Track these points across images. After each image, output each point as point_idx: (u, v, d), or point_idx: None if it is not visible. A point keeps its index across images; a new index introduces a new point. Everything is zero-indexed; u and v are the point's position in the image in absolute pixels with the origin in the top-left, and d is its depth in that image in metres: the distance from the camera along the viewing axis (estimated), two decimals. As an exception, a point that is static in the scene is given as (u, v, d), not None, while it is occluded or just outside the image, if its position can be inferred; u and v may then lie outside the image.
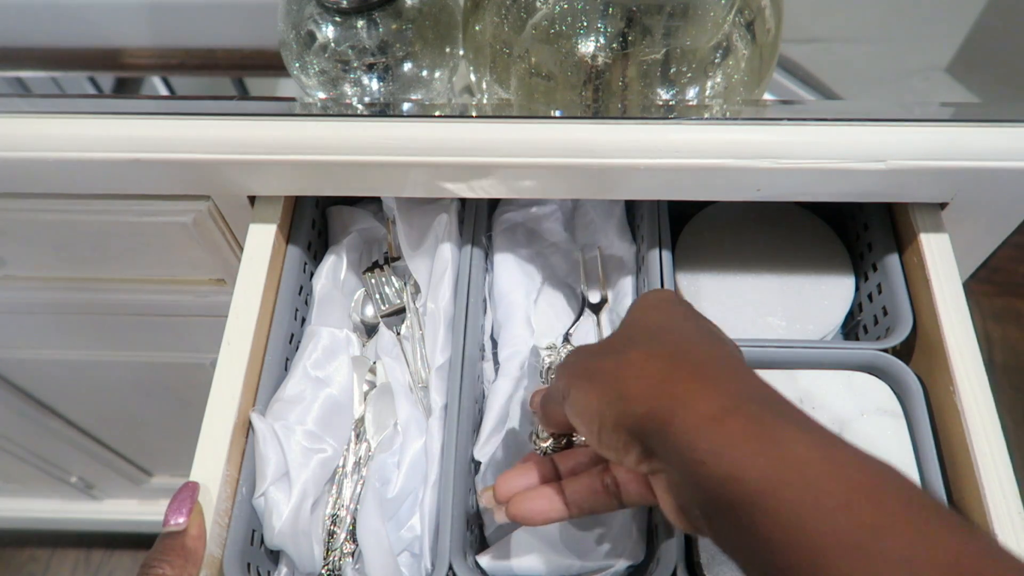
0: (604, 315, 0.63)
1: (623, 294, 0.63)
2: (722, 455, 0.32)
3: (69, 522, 1.38)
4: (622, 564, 0.50)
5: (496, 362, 0.60)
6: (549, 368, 0.56)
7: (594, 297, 0.64)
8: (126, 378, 0.94)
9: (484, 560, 0.51)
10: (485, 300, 0.62)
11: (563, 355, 0.56)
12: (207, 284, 0.70)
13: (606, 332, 0.62)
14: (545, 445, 0.47)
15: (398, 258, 0.64)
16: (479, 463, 0.55)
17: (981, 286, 1.66)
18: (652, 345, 0.38)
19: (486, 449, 0.55)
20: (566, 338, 0.61)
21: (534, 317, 0.62)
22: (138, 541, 1.46)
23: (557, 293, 0.65)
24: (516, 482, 0.45)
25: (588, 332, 0.62)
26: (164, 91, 0.70)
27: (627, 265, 0.64)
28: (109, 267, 0.69)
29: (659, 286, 0.57)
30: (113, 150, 0.51)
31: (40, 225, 0.63)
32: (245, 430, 0.51)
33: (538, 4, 0.52)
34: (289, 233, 0.59)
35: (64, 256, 0.67)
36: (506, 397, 0.56)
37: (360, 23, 0.55)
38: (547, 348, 0.57)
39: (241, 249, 0.58)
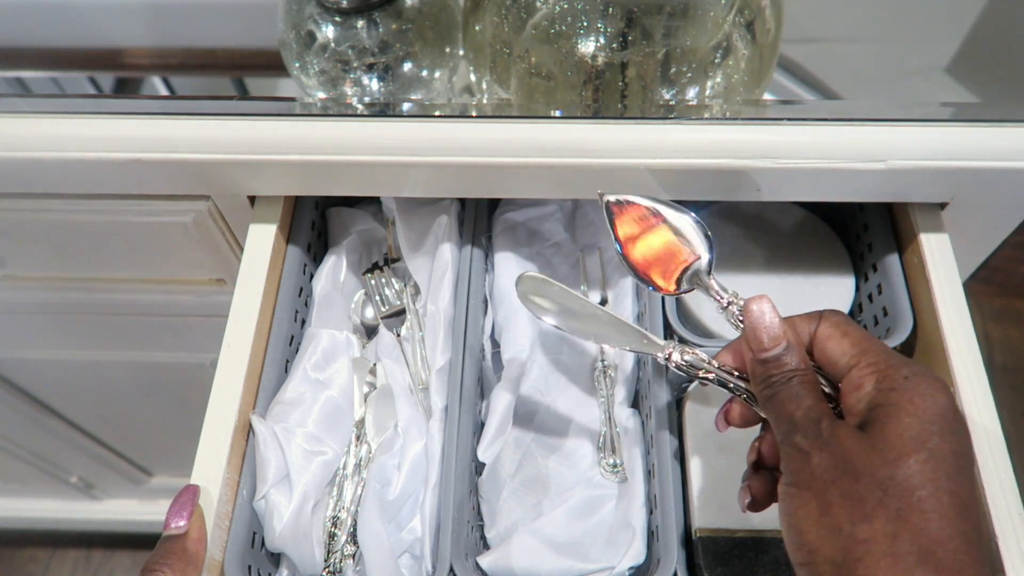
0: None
1: (623, 295, 0.63)
2: None
3: (69, 522, 1.38)
4: (623, 565, 0.50)
5: (498, 363, 0.60)
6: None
7: (594, 297, 0.64)
8: (126, 378, 0.94)
9: (485, 562, 0.51)
10: (485, 301, 0.62)
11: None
12: (207, 284, 0.70)
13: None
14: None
15: (398, 259, 0.64)
16: (483, 464, 0.55)
17: (981, 286, 1.66)
18: (902, 535, 0.33)
19: (491, 451, 0.55)
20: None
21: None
22: (138, 541, 1.46)
23: None
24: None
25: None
26: (164, 91, 0.70)
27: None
28: (109, 267, 0.68)
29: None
30: (113, 150, 0.51)
31: (40, 225, 0.63)
32: (245, 433, 0.51)
33: (538, 4, 0.52)
34: (289, 234, 0.59)
35: (64, 256, 0.67)
36: (510, 399, 0.56)
37: (360, 23, 0.55)
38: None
39: (241, 249, 0.58)
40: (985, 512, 0.45)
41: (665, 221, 0.45)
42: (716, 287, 0.44)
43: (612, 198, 0.46)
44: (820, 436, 0.36)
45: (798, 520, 0.35)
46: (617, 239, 0.45)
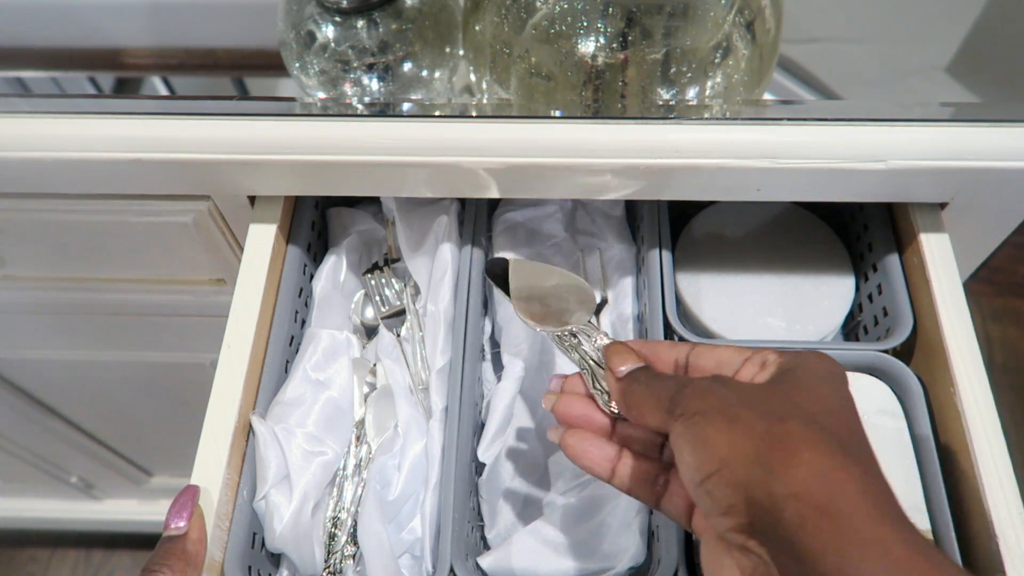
0: (605, 316, 0.63)
1: (623, 295, 0.63)
2: None
3: (69, 522, 1.38)
4: (623, 566, 0.50)
5: (498, 364, 0.60)
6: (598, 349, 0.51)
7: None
8: (126, 378, 0.94)
9: (485, 562, 0.51)
10: (485, 302, 0.62)
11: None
12: (207, 284, 0.70)
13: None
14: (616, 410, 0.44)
15: (398, 259, 0.64)
16: (483, 464, 0.55)
17: (981, 286, 1.66)
18: (816, 428, 0.34)
19: (491, 451, 0.55)
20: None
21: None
22: (138, 541, 1.46)
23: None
24: (576, 407, 0.44)
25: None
26: (164, 91, 0.70)
27: (627, 265, 0.64)
28: (109, 267, 0.68)
29: (659, 286, 0.57)
30: (113, 150, 0.51)
31: (40, 225, 0.63)
32: (245, 433, 0.51)
33: (538, 4, 0.52)
34: (289, 234, 0.59)
35: (64, 256, 0.67)
36: (510, 399, 0.56)
37: (360, 23, 0.55)
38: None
39: (241, 249, 0.58)
40: (985, 512, 0.45)
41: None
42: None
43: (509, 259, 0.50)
44: (719, 378, 0.38)
45: (703, 437, 0.35)
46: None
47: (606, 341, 0.45)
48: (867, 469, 0.33)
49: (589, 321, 0.48)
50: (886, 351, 0.53)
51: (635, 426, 0.42)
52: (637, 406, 0.40)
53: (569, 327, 0.47)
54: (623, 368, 0.42)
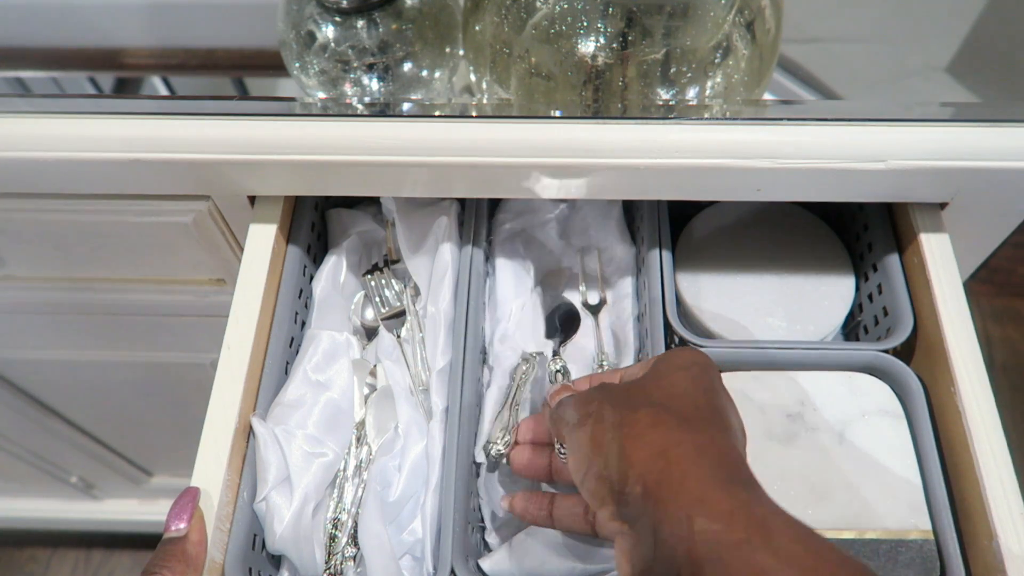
0: (604, 316, 0.63)
1: (622, 295, 0.63)
2: (715, 545, 0.32)
3: (69, 522, 1.38)
4: None
5: (499, 369, 0.60)
6: (557, 372, 0.58)
7: (593, 299, 0.64)
8: (126, 378, 0.94)
9: (486, 563, 0.51)
10: (486, 303, 0.62)
11: (555, 367, 0.59)
12: (207, 284, 0.70)
13: (605, 335, 0.62)
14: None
15: (397, 261, 0.64)
16: (480, 464, 0.55)
17: (981, 286, 1.66)
18: (662, 410, 0.38)
19: (481, 444, 0.55)
20: (556, 352, 0.61)
21: (530, 324, 0.62)
22: (138, 541, 1.46)
23: (555, 296, 0.65)
24: (522, 456, 0.51)
25: (587, 335, 0.62)
26: (164, 91, 0.70)
27: (625, 266, 0.64)
28: (109, 267, 0.68)
29: (659, 286, 0.57)
30: (113, 150, 0.51)
31: (40, 225, 0.63)
32: (246, 435, 0.50)
33: (538, 4, 0.52)
34: (289, 234, 0.59)
35: (64, 256, 0.67)
36: (496, 401, 0.57)
37: (360, 23, 0.55)
38: (552, 357, 0.59)
39: (241, 249, 0.58)
40: (986, 511, 0.45)
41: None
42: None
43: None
44: (599, 386, 0.43)
45: (578, 442, 0.39)
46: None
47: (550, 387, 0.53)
48: (706, 439, 0.36)
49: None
50: (886, 351, 0.53)
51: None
52: (557, 431, 0.44)
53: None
54: (553, 401, 0.47)
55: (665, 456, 0.35)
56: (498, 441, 0.53)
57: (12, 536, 1.49)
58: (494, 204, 0.67)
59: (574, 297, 0.65)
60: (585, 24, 0.50)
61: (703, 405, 0.39)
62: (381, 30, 0.55)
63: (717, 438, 0.37)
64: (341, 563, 0.50)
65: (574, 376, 0.59)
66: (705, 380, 0.41)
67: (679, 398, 0.39)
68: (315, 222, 0.63)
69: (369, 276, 0.63)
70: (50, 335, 0.83)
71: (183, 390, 0.96)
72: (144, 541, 1.44)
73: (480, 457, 0.55)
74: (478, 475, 0.56)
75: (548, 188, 0.53)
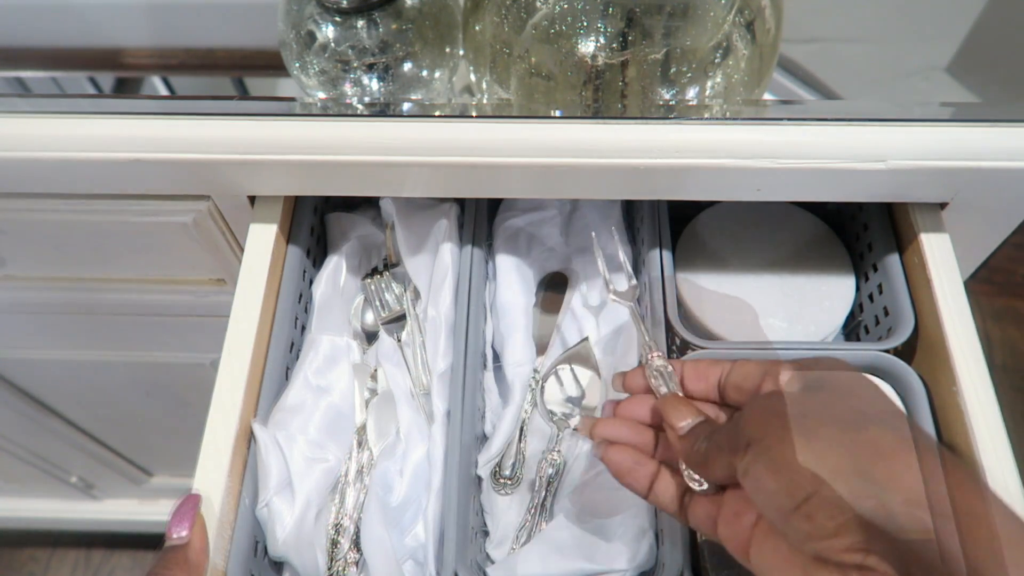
0: (604, 318, 0.63)
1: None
2: None
3: (69, 522, 1.38)
4: (632, 571, 0.50)
5: (500, 374, 0.60)
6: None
7: (594, 300, 0.64)
8: (126, 378, 0.94)
9: (489, 567, 0.51)
10: (486, 306, 0.62)
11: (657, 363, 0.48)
12: (207, 284, 0.70)
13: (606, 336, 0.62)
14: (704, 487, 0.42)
15: (397, 264, 0.64)
16: (483, 479, 0.55)
17: (981, 286, 1.66)
18: (895, 433, 0.34)
19: (490, 466, 0.55)
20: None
21: (535, 330, 0.62)
22: (138, 541, 1.46)
23: (556, 298, 0.65)
24: (618, 431, 0.45)
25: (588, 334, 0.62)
26: (164, 91, 0.70)
27: (624, 267, 0.64)
28: (109, 267, 0.68)
29: (660, 287, 0.57)
30: (113, 150, 0.51)
31: (40, 225, 0.63)
32: (247, 440, 0.50)
33: (538, 4, 0.52)
34: (289, 235, 0.59)
35: (64, 256, 0.67)
36: (514, 420, 0.57)
37: (360, 23, 0.55)
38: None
39: (241, 249, 0.58)
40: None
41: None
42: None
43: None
44: (766, 397, 0.39)
45: (783, 461, 0.34)
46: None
47: (663, 390, 0.45)
48: (959, 463, 0.33)
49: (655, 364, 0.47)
50: (887, 351, 0.53)
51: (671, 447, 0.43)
52: (703, 464, 0.40)
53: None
54: (682, 424, 0.42)
55: (939, 484, 0.32)
56: (507, 485, 0.54)
57: (12, 536, 1.49)
58: (494, 206, 0.66)
59: (574, 297, 0.64)
60: (585, 24, 0.50)
61: (913, 424, 0.35)
62: (381, 30, 0.55)
63: (964, 463, 0.35)
64: (344, 568, 0.50)
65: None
66: (883, 393, 0.38)
67: (890, 415, 0.35)
68: (314, 226, 0.63)
69: (369, 279, 0.63)
70: (50, 335, 0.83)
71: (183, 390, 0.96)
72: (144, 541, 1.45)
73: (484, 475, 0.55)
74: (479, 487, 0.56)
75: (548, 188, 0.53)
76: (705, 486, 0.41)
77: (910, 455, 0.32)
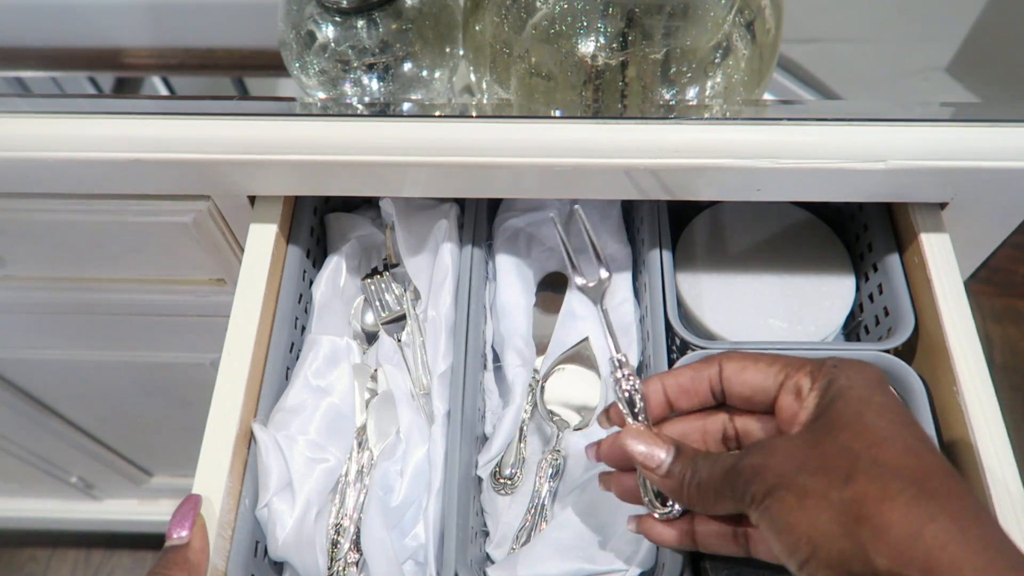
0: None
1: (623, 297, 0.63)
2: None
3: (69, 522, 1.38)
4: (633, 571, 0.49)
5: (500, 376, 0.60)
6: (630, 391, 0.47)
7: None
8: (126, 378, 0.94)
9: (490, 568, 0.51)
10: (486, 306, 0.62)
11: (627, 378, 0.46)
12: (207, 284, 0.70)
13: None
14: (670, 510, 0.43)
15: (397, 265, 0.64)
16: (483, 480, 0.55)
17: (981, 286, 1.66)
18: (889, 482, 0.33)
19: (490, 467, 0.55)
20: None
21: (535, 330, 0.62)
22: (138, 541, 1.46)
23: (556, 298, 0.65)
24: (620, 481, 0.45)
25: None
26: (164, 91, 0.70)
27: (623, 267, 0.64)
28: (109, 267, 0.68)
29: (659, 286, 0.57)
30: (113, 150, 0.51)
31: (40, 225, 0.63)
32: (247, 441, 0.50)
33: (538, 4, 0.52)
34: (289, 235, 0.59)
35: (64, 256, 0.67)
36: (514, 421, 0.56)
37: (360, 23, 0.54)
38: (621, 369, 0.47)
39: (241, 249, 0.58)
40: (989, 509, 0.45)
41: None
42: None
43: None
44: (763, 448, 0.37)
45: (783, 523, 0.35)
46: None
47: (631, 422, 0.44)
48: (957, 508, 0.32)
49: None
50: (888, 351, 0.53)
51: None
52: (701, 503, 0.40)
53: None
54: (656, 465, 0.41)
55: (924, 542, 0.31)
56: (506, 486, 0.54)
57: (12, 536, 1.49)
58: (494, 206, 0.66)
59: (574, 297, 0.64)
60: (585, 24, 0.50)
61: (921, 451, 0.34)
62: (381, 30, 0.55)
63: (967, 504, 0.32)
64: (344, 569, 0.50)
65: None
66: (902, 413, 0.36)
67: (889, 448, 0.34)
68: (314, 227, 0.63)
69: (369, 280, 0.62)
70: (50, 335, 0.83)
71: (183, 390, 0.96)
72: (144, 541, 1.45)
73: (484, 475, 0.55)
74: (479, 488, 0.56)
75: (548, 188, 0.53)
76: (675, 512, 0.42)
77: (900, 513, 0.32)
